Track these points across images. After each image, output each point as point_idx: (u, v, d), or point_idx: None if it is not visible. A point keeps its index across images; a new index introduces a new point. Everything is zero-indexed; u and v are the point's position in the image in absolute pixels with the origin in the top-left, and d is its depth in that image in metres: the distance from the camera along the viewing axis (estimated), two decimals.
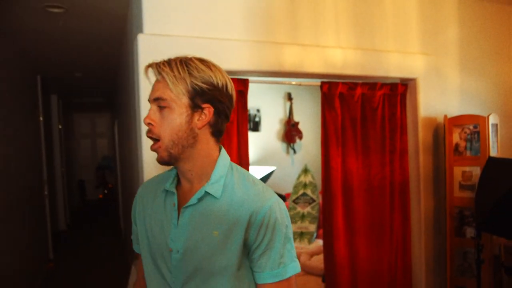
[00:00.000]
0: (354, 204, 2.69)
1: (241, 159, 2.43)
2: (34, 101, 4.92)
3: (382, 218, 2.76)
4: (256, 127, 5.37)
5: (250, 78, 2.45)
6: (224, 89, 1.05)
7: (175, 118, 1.01)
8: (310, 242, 4.19)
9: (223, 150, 1.12)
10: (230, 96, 1.08)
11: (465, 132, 2.73)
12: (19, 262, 3.66)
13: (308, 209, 4.32)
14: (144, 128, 1.98)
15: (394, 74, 2.75)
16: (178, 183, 1.13)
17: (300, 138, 5.47)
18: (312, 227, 4.26)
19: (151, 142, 1.07)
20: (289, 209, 4.36)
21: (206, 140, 1.06)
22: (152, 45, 2.09)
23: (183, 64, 1.01)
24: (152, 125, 1.03)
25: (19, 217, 3.70)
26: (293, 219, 4.30)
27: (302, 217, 4.30)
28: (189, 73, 1.00)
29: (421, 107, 2.81)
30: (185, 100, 1.01)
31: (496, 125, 2.77)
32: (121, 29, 3.43)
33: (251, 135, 4.79)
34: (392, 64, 2.72)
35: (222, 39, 2.28)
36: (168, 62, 1.02)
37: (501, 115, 2.98)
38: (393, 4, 2.75)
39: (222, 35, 2.29)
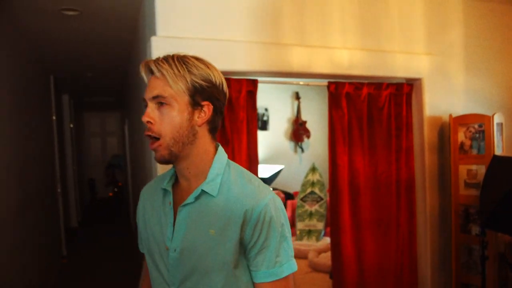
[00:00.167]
0: (361, 201, 2.74)
1: (251, 157, 2.50)
2: (47, 101, 5.02)
3: (388, 215, 2.81)
4: (264, 126, 5.40)
5: (259, 79, 2.52)
6: (221, 87, 1.07)
7: (176, 116, 1.00)
8: (318, 239, 4.25)
9: (221, 148, 1.11)
10: (225, 94, 1.10)
11: (470, 131, 2.76)
12: (35, 258, 3.75)
13: (316, 207, 4.37)
14: None
15: (400, 74, 2.79)
16: (176, 182, 1.13)
17: (308, 137, 5.50)
18: (320, 225, 4.32)
19: None
20: (297, 207, 4.42)
21: (204, 137, 1.07)
22: (164, 47, 2.16)
23: (181, 61, 1.01)
24: (152, 123, 1.01)
25: (34, 214, 3.79)
26: (301, 217, 4.36)
27: (310, 215, 4.35)
28: (189, 71, 1.00)
29: (426, 107, 2.86)
30: (185, 97, 1.01)
31: (501, 124, 2.80)
32: (132, 31, 3.52)
33: (259, 134, 4.78)
34: (397, 65, 2.77)
35: (233, 41, 2.35)
36: (166, 59, 1.01)
37: (506, 114, 3.00)
38: (398, 5, 2.80)
39: (233, 37, 2.36)
